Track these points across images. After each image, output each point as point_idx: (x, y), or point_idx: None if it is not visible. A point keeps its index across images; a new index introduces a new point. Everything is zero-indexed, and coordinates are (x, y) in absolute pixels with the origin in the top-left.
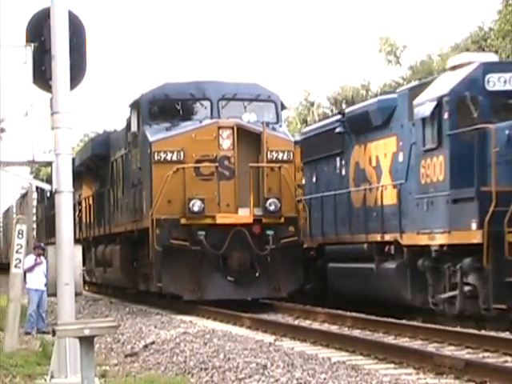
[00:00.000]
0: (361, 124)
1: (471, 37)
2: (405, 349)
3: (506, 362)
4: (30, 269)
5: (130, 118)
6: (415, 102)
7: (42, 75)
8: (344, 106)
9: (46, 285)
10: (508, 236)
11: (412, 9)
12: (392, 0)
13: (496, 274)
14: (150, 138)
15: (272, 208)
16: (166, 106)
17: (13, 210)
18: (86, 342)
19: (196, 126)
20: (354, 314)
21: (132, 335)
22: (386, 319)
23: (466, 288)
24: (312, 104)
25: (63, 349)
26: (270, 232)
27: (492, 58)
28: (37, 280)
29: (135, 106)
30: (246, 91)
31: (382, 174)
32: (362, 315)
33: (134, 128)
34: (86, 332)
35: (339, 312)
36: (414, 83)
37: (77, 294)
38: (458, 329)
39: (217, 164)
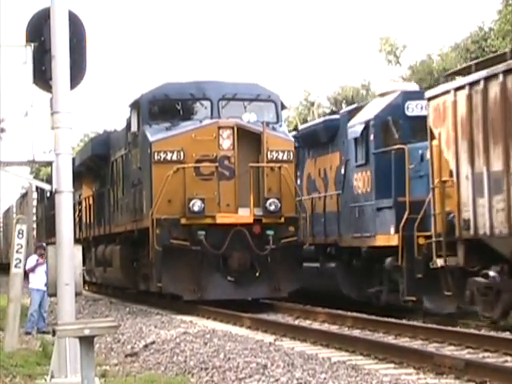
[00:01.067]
0: (311, 140)
1: (471, 37)
2: (405, 349)
3: (506, 361)
4: (32, 269)
5: (130, 118)
6: (349, 123)
7: (42, 75)
8: (344, 105)
9: (46, 285)
10: (418, 239)
11: (412, 9)
12: (392, 0)
13: (409, 271)
14: (150, 138)
15: (272, 208)
16: (166, 106)
17: (13, 209)
18: (86, 341)
19: (196, 126)
20: (354, 314)
21: (132, 335)
22: (386, 319)
23: (390, 283)
24: (312, 104)
25: (63, 349)
26: (270, 232)
27: (413, 87)
28: (39, 280)
29: (135, 106)
30: (246, 91)
31: (328, 185)
32: (362, 315)
33: (134, 128)
34: (86, 332)
35: (339, 312)
36: (352, 106)
37: (77, 294)
38: (458, 329)
39: (217, 164)
